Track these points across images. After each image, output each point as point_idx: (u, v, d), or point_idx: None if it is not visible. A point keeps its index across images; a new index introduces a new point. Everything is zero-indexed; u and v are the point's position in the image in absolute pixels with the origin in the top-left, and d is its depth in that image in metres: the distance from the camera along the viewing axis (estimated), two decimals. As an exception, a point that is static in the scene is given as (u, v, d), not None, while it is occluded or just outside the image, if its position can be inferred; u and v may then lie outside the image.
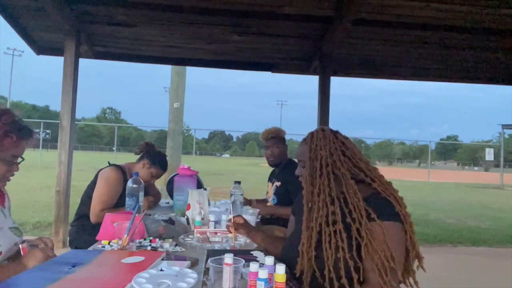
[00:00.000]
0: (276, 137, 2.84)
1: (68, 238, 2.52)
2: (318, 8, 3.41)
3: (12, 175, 1.38)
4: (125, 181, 2.44)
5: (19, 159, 1.37)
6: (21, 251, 1.33)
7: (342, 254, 1.19)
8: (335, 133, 1.41)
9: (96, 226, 2.24)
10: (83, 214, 2.43)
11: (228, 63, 4.76)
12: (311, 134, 1.42)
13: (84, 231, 2.38)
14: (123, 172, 2.48)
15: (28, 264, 1.27)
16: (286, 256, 1.43)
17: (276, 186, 2.85)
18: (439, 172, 32.80)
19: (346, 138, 1.42)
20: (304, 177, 1.36)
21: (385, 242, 1.20)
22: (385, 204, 1.26)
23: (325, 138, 1.37)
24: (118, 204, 2.38)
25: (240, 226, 1.75)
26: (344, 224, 1.23)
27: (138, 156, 2.68)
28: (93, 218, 2.33)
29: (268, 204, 2.83)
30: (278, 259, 1.47)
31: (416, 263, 1.31)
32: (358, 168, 1.34)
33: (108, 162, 2.59)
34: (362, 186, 1.32)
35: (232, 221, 1.76)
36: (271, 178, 2.96)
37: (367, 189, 1.32)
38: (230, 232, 1.76)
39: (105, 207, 2.32)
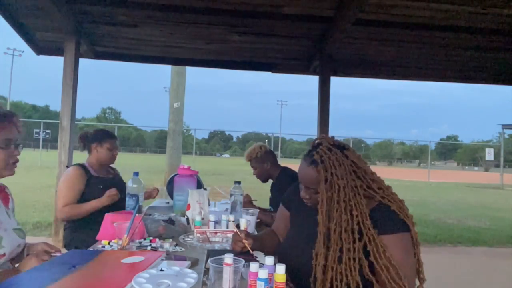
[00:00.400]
0: (251, 159, 2.87)
1: (63, 240, 2.52)
2: (318, 8, 3.41)
3: (16, 160, 1.36)
4: (88, 177, 2.44)
5: (16, 142, 1.35)
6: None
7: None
8: (344, 152, 1.32)
9: (89, 225, 2.25)
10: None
11: (228, 63, 4.76)
12: (321, 158, 1.29)
13: (79, 231, 2.38)
14: (84, 168, 2.48)
15: (24, 269, 1.24)
16: (286, 259, 1.41)
17: (270, 198, 2.90)
18: (439, 172, 32.78)
19: (353, 151, 1.35)
20: (321, 212, 1.27)
21: (394, 255, 1.19)
22: (391, 216, 1.26)
23: (339, 164, 1.27)
24: (81, 200, 2.38)
25: (248, 236, 1.55)
26: (355, 259, 1.21)
27: (86, 152, 2.63)
28: (57, 214, 2.42)
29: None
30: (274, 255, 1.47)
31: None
32: (372, 190, 1.30)
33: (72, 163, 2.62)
34: (367, 199, 1.29)
35: (240, 235, 1.55)
36: (271, 190, 3.01)
37: (371, 202, 1.30)
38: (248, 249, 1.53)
39: (67, 202, 2.34)
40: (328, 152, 1.29)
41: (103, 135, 2.59)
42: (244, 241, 1.45)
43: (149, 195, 2.67)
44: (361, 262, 1.20)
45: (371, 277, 1.19)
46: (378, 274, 1.18)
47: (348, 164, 1.28)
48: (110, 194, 2.31)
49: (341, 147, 1.34)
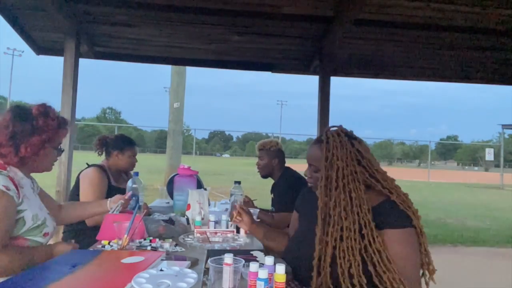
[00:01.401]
0: (263, 149, 2.89)
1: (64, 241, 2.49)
2: (318, 8, 3.41)
3: (57, 159, 1.63)
4: (108, 179, 2.43)
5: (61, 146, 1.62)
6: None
7: (356, 270, 1.17)
8: (352, 140, 1.36)
9: (91, 228, 2.23)
10: None
11: (228, 63, 4.75)
12: (327, 139, 1.35)
13: (81, 235, 2.35)
14: (104, 170, 2.46)
15: (54, 251, 1.43)
16: (291, 257, 1.42)
17: (272, 198, 2.92)
18: (439, 172, 32.77)
19: (361, 142, 1.37)
20: (320, 187, 1.31)
21: (399, 251, 1.20)
22: (397, 211, 1.26)
23: (342, 146, 1.31)
24: None
25: (245, 213, 1.69)
26: (356, 239, 1.21)
27: (102, 155, 2.59)
28: (88, 221, 2.27)
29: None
30: (280, 255, 1.47)
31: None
32: (374, 179, 1.31)
33: (87, 164, 2.55)
34: (372, 194, 1.30)
35: (238, 207, 1.70)
36: (271, 191, 3.00)
37: (377, 197, 1.30)
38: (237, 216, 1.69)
39: None
40: (335, 135, 1.35)
41: (125, 142, 2.55)
42: (238, 208, 1.61)
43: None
44: (365, 243, 1.21)
45: (366, 258, 1.20)
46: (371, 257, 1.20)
47: (352, 151, 1.32)
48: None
49: (351, 136, 1.38)
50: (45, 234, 1.46)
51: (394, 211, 1.26)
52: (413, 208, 1.29)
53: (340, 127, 1.42)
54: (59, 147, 1.58)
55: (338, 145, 1.31)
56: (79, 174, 2.46)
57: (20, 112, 1.43)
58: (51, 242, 1.55)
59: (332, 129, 1.42)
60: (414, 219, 1.26)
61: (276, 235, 1.67)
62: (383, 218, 1.25)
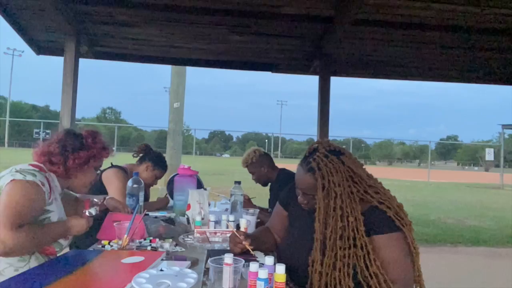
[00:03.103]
0: (247, 165, 2.89)
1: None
2: (318, 8, 3.41)
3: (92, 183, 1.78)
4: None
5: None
6: (84, 203, 1.70)
7: None
8: (340, 158, 1.32)
9: (93, 226, 2.24)
10: None
11: (228, 63, 4.75)
12: (317, 165, 1.30)
13: (81, 235, 2.36)
14: (126, 173, 2.48)
15: (72, 228, 1.53)
16: (284, 261, 1.41)
17: (269, 199, 2.92)
18: (439, 172, 32.77)
19: (349, 157, 1.35)
20: (318, 220, 1.29)
21: (387, 255, 1.22)
22: (383, 217, 1.26)
23: (335, 170, 1.28)
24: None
25: (247, 238, 1.53)
26: (350, 265, 1.22)
27: (136, 158, 2.68)
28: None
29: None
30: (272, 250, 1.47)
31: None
32: (369, 195, 1.30)
33: (111, 163, 2.57)
34: (361, 202, 1.30)
35: (240, 237, 1.54)
36: (269, 191, 3.01)
37: (365, 203, 1.30)
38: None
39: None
40: (325, 159, 1.30)
41: (162, 163, 2.67)
42: (244, 242, 1.44)
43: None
44: (355, 268, 1.22)
45: (363, 282, 1.21)
46: (367, 280, 1.20)
47: (345, 170, 1.30)
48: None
49: (337, 152, 1.35)
50: (65, 238, 1.57)
51: (381, 217, 1.27)
52: (405, 219, 1.28)
53: (323, 143, 1.38)
54: (97, 170, 1.78)
55: (332, 171, 1.28)
56: (101, 173, 2.45)
57: (73, 132, 1.69)
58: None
59: (314, 147, 1.37)
60: (404, 228, 1.25)
61: (264, 237, 1.64)
62: (370, 225, 1.25)
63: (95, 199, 1.79)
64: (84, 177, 1.67)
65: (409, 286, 1.25)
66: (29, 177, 1.43)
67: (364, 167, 1.39)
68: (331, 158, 1.31)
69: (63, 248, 1.57)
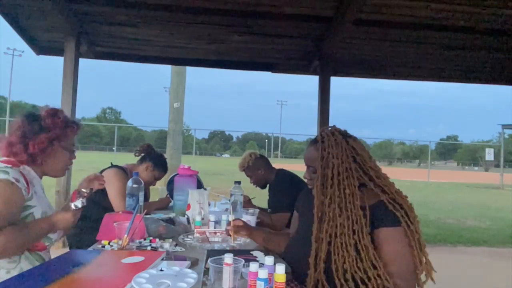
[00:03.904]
0: (244, 168, 2.90)
1: (67, 241, 2.50)
2: (318, 8, 3.41)
3: (71, 163, 1.67)
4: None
5: (74, 148, 1.66)
6: (71, 195, 1.62)
7: (349, 265, 1.19)
8: (346, 138, 1.38)
9: (96, 226, 2.24)
10: (82, 216, 2.41)
11: (228, 63, 4.76)
12: (322, 139, 1.38)
13: (85, 233, 2.37)
14: (126, 173, 2.48)
15: (57, 223, 1.46)
16: (290, 257, 1.42)
17: (268, 199, 2.92)
18: (439, 172, 32.78)
19: (356, 140, 1.40)
20: (316, 186, 1.34)
21: (392, 249, 1.22)
22: (390, 212, 1.26)
23: (337, 145, 1.33)
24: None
25: (241, 228, 1.71)
26: (350, 235, 1.23)
27: (138, 158, 2.69)
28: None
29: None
30: (280, 256, 1.48)
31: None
32: (368, 176, 1.33)
33: (111, 163, 2.58)
34: (370, 193, 1.31)
35: (231, 224, 1.72)
36: (268, 192, 3.01)
37: (374, 197, 1.31)
38: (230, 235, 1.74)
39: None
40: (330, 134, 1.37)
41: (163, 164, 2.67)
42: (230, 231, 1.58)
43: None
44: (355, 239, 1.22)
45: (362, 250, 1.21)
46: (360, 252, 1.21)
47: (347, 148, 1.34)
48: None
49: (345, 135, 1.40)
50: (54, 231, 1.50)
51: (387, 210, 1.27)
52: (405, 207, 1.29)
53: (334, 126, 1.44)
54: (71, 148, 1.63)
55: (333, 144, 1.34)
56: (101, 172, 2.44)
57: (30, 115, 1.56)
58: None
59: (326, 127, 1.44)
60: (403, 218, 1.26)
61: (275, 237, 1.68)
62: (378, 217, 1.26)
63: (82, 189, 1.66)
64: (55, 160, 1.56)
65: (413, 280, 1.25)
66: (1, 176, 1.36)
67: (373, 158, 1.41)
68: (336, 135, 1.37)
69: (53, 242, 1.51)
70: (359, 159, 1.34)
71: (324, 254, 1.24)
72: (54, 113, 1.56)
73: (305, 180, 1.48)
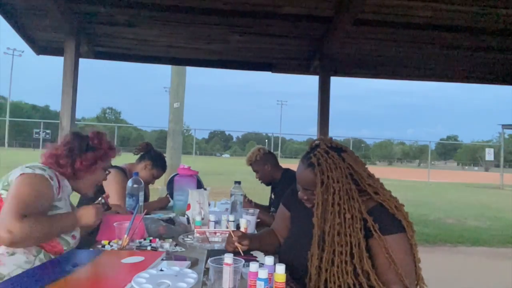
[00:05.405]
0: (251, 163, 2.88)
1: None
2: (318, 8, 3.41)
3: (101, 183, 1.83)
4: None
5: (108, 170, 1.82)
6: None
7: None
8: (341, 153, 1.34)
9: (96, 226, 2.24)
10: None
11: (228, 63, 4.75)
12: (317, 161, 1.31)
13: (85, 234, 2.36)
14: (125, 173, 2.47)
15: (81, 218, 1.53)
16: (285, 259, 1.42)
17: (272, 198, 2.91)
18: (439, 172, 32.77)
19: (349, 153, 1.36)
20: (316, 215, 1.30)
21: (390, 257, 1.22)
22: (388, 217, 1.27)
23: (335, 166, 1.29)
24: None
25: (242, 238, 1.56)
26: (347, 262, 1.23)
27: (137, 156, 2.69)
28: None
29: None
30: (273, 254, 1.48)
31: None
32: (368, 195, 1.31)
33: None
34: (365, 198, 1.31)
35: (233, 236, 1.56)
36: (271, 190, 3.00)
37: (369, 202, 1.31)
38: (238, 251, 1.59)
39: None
40: (325, 155, 1.32)
41: (162, 162, 2.68)
42: (236, 244, 1.45)
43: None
44: (354, 263, 1.22)
45: (363, 279, 1.21)
46: (361, 278, 1.21)
47: (345, 167, 1.30)
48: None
49: (338, 149, 1.35)
50: (73, 237, 1.54)
51: (385, 216, 1.27)
52: (405, 217, 1.28)
53: (325, 140, 1.39)
54: (107, 169, 1.79)
55: (331, 166, 1.29)
56: None
57: (79, 134, 1.72)
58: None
59: (316, 144, 1.38)
60: (404, 225, 1.26)
61: (268, 239, 1.65)
62: (378, 224, 1.25)
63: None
64: (92, 177, 1.70)
65: (411, 282, 1.25)
66: (38, 171, 1.46)
67: (366, 166, 1.39)
68: (331, 154, 1.32)
69: (71, 246, 1.53)
70: (357, 177, 1.32)
71: (323, 284, 1.24)
72: (101, 135, 1.74)
73: (303, 201, 1.44)
